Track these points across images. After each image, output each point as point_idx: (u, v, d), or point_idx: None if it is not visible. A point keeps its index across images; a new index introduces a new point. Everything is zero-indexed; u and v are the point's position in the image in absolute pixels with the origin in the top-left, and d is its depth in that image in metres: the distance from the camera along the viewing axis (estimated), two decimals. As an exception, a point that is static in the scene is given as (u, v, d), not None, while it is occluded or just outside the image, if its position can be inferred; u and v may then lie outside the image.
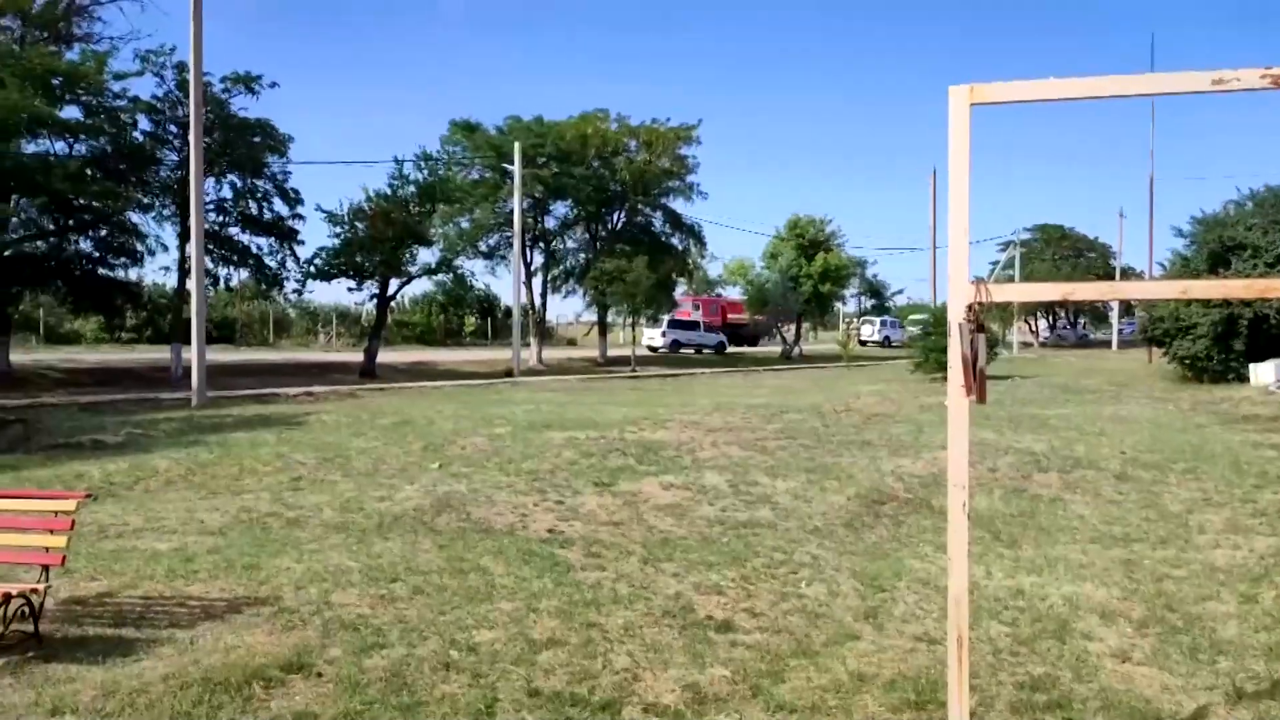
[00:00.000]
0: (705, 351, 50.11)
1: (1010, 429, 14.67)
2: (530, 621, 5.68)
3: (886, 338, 62.48)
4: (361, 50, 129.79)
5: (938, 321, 28.45)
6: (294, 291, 32.14)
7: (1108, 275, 65.46)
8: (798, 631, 5.73)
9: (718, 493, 10.15)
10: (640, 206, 41.21)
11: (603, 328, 42.79)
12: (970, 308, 3.09)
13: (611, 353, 42.01)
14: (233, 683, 4.55)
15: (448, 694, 4.60)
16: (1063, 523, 9.11)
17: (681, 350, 49.42)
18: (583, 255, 41.66)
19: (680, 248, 43.86)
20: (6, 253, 23.53)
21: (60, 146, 25.27)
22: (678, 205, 42.74)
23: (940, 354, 26.81)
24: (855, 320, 69.16)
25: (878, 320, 65.98)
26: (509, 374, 31.77)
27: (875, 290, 74.44)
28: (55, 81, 23.85)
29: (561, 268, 41.86)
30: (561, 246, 42.33)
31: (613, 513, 9.31)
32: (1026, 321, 70.70)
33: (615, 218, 41.63)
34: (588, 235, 41.77)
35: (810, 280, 51.69)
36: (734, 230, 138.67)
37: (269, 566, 6.76)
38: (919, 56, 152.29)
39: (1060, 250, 72.57)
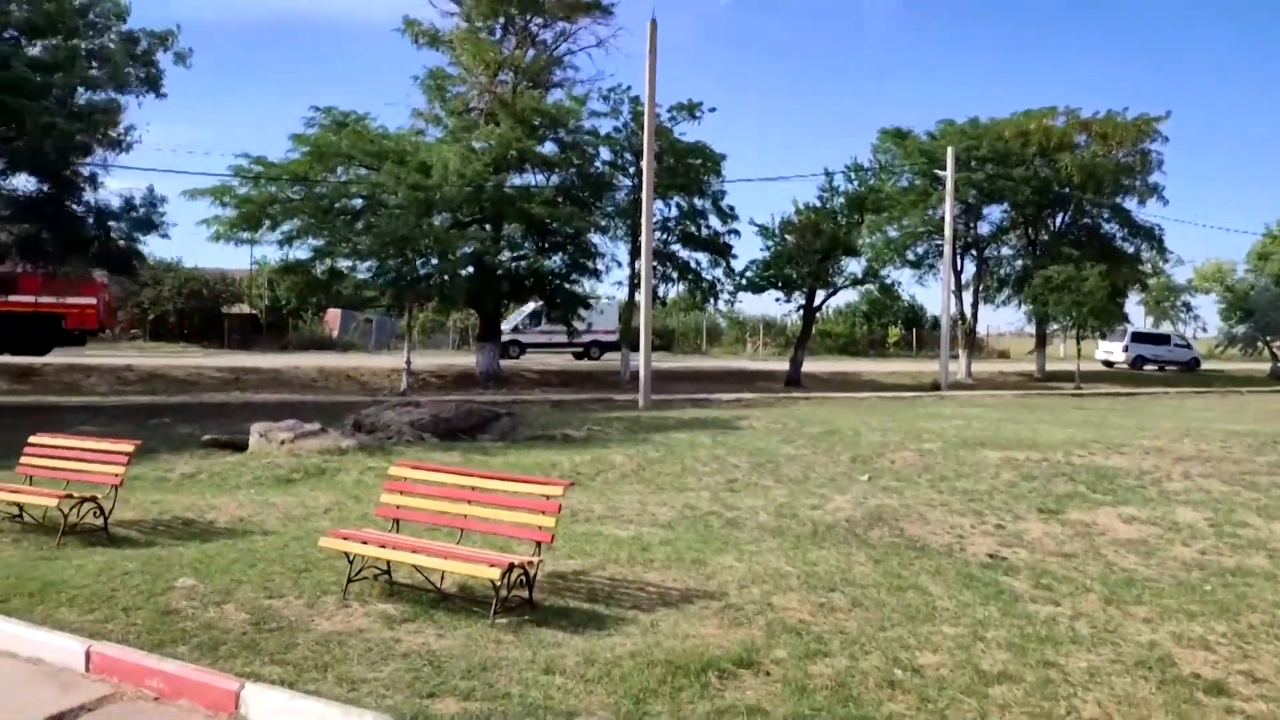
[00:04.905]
0: (1169, 369, 43.94)
1: None
2: (978, 650, 5.36)
3: None
4: (794, 65, 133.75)
5: None
6: (726, 303, 33.97)
7: None
8: (1318, 710, 4.75)
9: (1194, 531, 8.83)
10: (1087, 207, 37.36)
11: (1041, 340, 39.55)
12: None
13: (1050, 367, 38.67)
14: (691, 669, 4.87)
15: (894, 713, 4.50)
16: None
17: (1145, 367, 43.76)
18: (1019, 262, 38.84)
19: (1132, 252, 39.03)
20: (499, 270, 27.81)
21: (539, 178, 29.39)
22: (1131, 205, 38.10)
23: None
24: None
25: None
26: (936, 387, 30.65)
27: None
28: (535, 122, 27.80)
29: (994, 276, 39.42)
30: (995, 253, 39.86)
31: (1062, 543, 8.53)
32: None
33: (1058, 221, 38.23)
34: (1025, 240, 38.84)
35: (1314, 285, 43.10)
36: (1205, 229, 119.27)
37: (713, 563, 7.16)
38: None
39: None
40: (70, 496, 7.78)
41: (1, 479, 8.93)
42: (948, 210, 31.92)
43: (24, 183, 19.43)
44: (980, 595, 6.53)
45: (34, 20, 17.38)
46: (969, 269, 38.80)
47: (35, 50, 17.19)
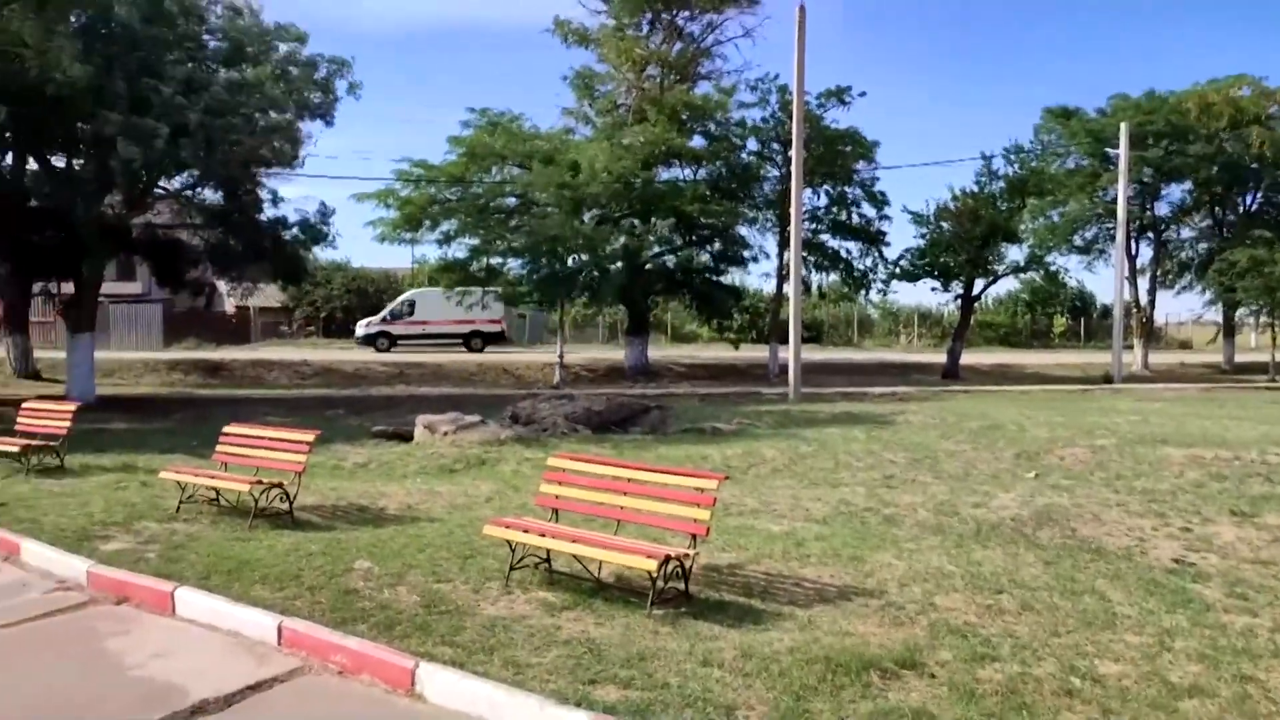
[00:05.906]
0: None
1: None
2: (1165, 661, 5.01)
3: None
4: (949, 47, 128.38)
5: None
6: (879, 293, 33.13)
7: None
8: None
9: None
10: (1282, 184, 34.26)
11: (1229, 329, 36.59)
12: None
13: (1240, 358, 35.71)
14: (851, 667, 4.77)
15: (1072, 724, 4.27)
16: None
17: None
18: (1203, 245, 36.03)
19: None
20: (647, 266, 28.10)
21: (686, 173, 29.47)
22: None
23: None
24: None
25: None
26: (1108, 380, 28.89)
27: None
28: (684, 116, 27.88)
29: (1174, 260, 36.74)
30: (1175, 236, 37.12)
31: (1258, 549, 7.85)
32: None
33: (1248, 199, 35.22)
34: (1210, 222, 35.98)
35: None
36: None
37: (871, 560, 6.99)
38: None
39: None
40: (260, 482, 8.39)
41: (201, 465, 9.75)
42: (1120, 191, 29.93)
43: (211, 194, 21.07)
44: (1166, 603, 6.11)
45: (229, 53, 18.78)
46: (1145, 253, 36.37)
47: (227, 76, 18.47)
